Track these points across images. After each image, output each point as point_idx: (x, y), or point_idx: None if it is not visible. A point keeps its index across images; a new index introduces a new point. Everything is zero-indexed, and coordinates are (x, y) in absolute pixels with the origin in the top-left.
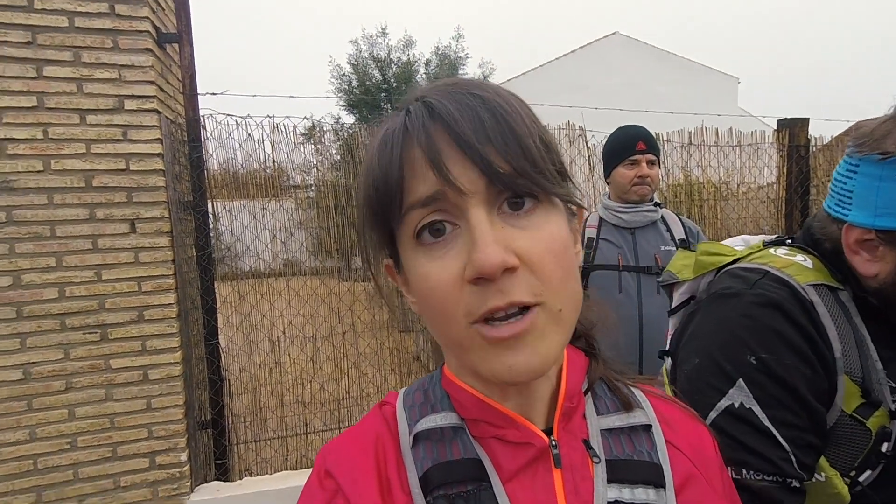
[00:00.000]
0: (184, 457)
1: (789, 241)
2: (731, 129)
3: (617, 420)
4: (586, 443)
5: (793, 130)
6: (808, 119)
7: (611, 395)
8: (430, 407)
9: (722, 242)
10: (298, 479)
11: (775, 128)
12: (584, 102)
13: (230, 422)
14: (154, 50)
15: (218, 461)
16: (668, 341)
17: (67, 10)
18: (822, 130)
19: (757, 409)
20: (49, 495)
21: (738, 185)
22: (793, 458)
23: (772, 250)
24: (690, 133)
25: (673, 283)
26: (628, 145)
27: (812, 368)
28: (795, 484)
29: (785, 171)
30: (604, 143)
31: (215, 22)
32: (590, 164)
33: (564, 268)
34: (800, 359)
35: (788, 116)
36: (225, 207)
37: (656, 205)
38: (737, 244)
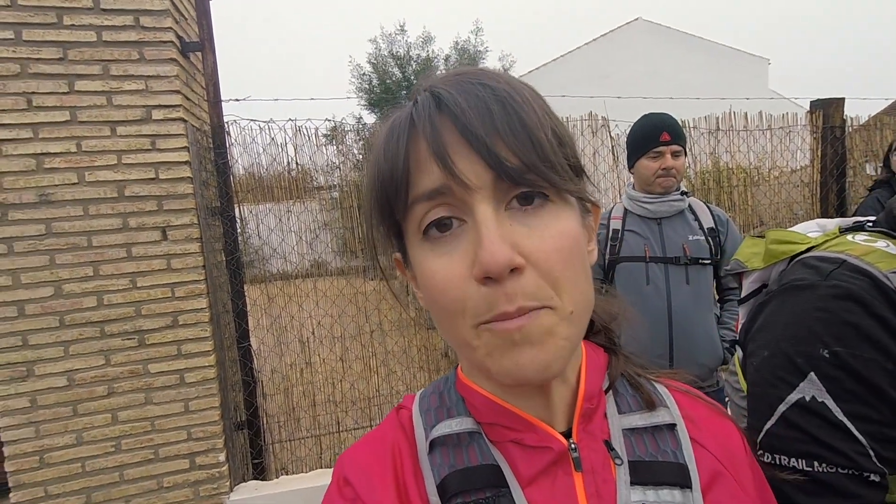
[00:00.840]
0: (222, 457)
1: (869, 224)
2: (760, 112)
3: (639, 419)
4: (608, 444)
5: (827, 111)
6: (844, 99)
7: (633, 392)
8: (445, 411)
9: (793, 229)
10: None
11: (808, 109)
12: (607, 91)
13: (265, 422)
14: (178, 59)
15: (255, 461)
16: (739, 331)
17: (95, 25)
18: (858, 110)
19: (830, 403)
20: (98, 496)
21: (770, 170)
22: (871, 452)
23: (849, 236)
24: (718, 118)
25: (742, 272)
26: (652, 136)
27: (895, 362)
28: (874, 478)
29: (819, 153)
30: (627, 132)
31: (236, 29)
32: (614, 155)
33: (574, 268)
34: (880, 353)
35: (822, 96)
36: (252, 212)
37: (683, 193)
38: (811, 230)
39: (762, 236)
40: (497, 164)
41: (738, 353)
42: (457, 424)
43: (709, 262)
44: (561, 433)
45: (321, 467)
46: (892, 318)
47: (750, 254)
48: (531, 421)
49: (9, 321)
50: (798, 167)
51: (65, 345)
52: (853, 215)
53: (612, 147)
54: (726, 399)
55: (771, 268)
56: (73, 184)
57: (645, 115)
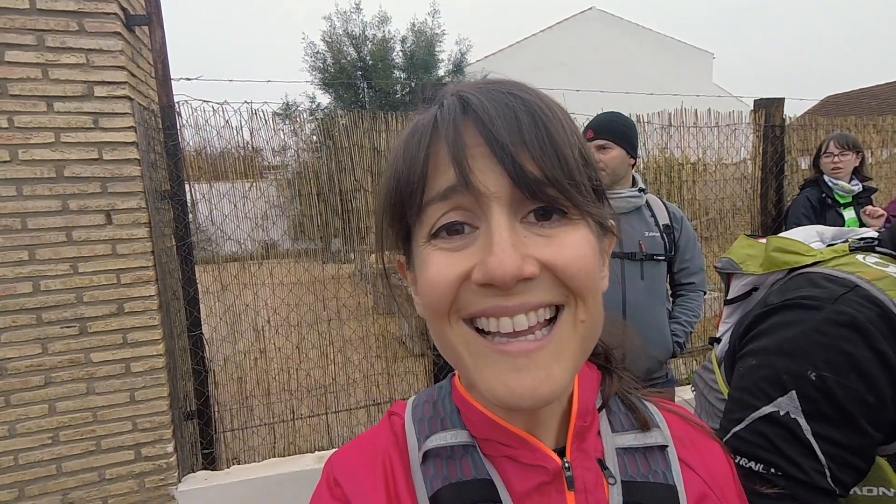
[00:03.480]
0: (170, 448)
1: (877, 244)
2: (709, 109)
3: (633, 439)
4: (601, 462)
5: (769, 110)
6: (784, 99)
7: (625, 411)
8: (439, 422)
9: (793, 235)
10: (286, 466)
11: (752, 108)
12: (561, 79)
13: (216, 411)
14: (123, 33)
15: (205, 451)
16: (720, 328)
17: None
18: (798, 110)
19: (802, 421)
20: (32, 490)
21: (717, 167)
22: (827, 471)
23: (860, 257)
24: (670, 115)
25: (732, 273)
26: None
27: (877, 396)
28: (826, 486)
29: (761, 151)
30: (584, 126)
31: (184, 2)
32: None
33: (593, 276)
34: (867, 385)
35: (760, 92)
36: (204, 196)
37: (641, 190)
38: (812, 239)
39: (756, 236)
40: (518, 175)
41: (717, 350)
42: (452, 437)
43: (663, 258)
44: (554, 450)
45: (275, 456)
46: (890, 354)
47: (745, 255)
48: (526, 439)
49: None
50: (739, 160)
51: None
52: (786, 212)
53: None
54: (692, 391)
55: (767, 273)
56: (5, 162)
57: None
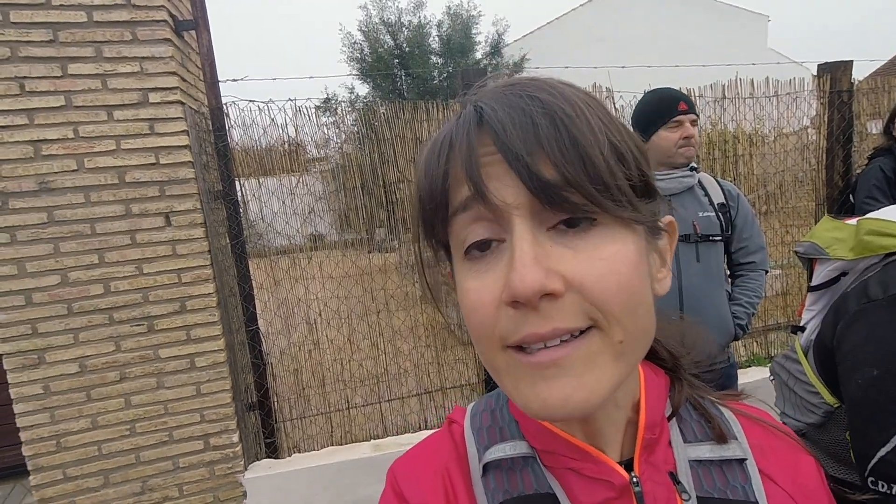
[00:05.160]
0: (235, 437)
1: None
2: (767, 78)
3: (708, 451)
4: (673, 476)
5: (835, 75)
6: (852, 62)
7: (697, 418)
8: (498, 431)
9: (889, 216)
10: (344, 454)
11: (814, 73)
12: (603, 55)
13: (275, 402)
14: (173, 39)
15: (267, 440)
16: (804, 315)
17: (85, 5)
18: (865, 71)
19: None
20: (115, 477)
21: (776, 138)
22: None
23: None
24: (724, 86)
25: (816, 258)
26: (670, 107)
27: None
28: None
29: (826, 119)
30: (634, 105)
31: (226, 5)
32: None
33: (631, 293)
34: None
35: (821, 56)
36: (254, 195)
37: (692, 169)
38: None
39: (840, 217)
40: (535, 183)
41: (801, 339)
42: (511, 448)
43: (720, 238)
44: (620, 462)
45: (332, 444)
46: None
47: (831, 238)
48: (589, 451)
49: (17, 310)
50: (799, 127)
51: (74, 332)
52: (855, 183)
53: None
54: (771, 380)
55: (858, 259)
56: (73, 171)
57: (653, 90)
